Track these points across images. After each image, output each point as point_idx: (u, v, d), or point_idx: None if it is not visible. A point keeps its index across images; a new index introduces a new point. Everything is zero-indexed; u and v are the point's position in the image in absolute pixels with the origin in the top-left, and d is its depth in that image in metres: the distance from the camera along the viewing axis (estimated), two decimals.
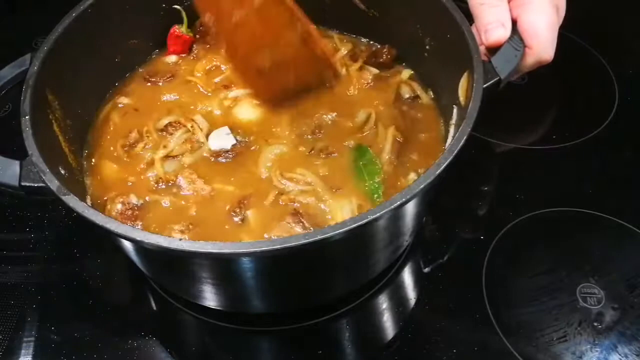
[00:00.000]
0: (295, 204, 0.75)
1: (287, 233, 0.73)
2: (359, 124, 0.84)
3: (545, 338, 0.77)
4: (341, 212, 0.75)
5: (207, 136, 0.83)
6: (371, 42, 0.98)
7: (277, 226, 0.74)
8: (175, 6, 0.94)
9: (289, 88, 0.80)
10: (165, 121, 0.85)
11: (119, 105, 0.90)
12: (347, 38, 0.98)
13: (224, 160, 0.81)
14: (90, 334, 0.80)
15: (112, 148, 0.85)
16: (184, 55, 0.96)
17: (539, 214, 0.89)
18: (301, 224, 0.73)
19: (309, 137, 0.83)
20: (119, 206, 0.76)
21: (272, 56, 0.76)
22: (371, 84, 0.90)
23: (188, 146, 0.82)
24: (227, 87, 0.90)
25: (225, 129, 0.83)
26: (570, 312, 0.79)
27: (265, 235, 0.73)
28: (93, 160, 0.84)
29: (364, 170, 0.79)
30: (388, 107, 0.87)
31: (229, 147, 0.82)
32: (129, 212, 0.76)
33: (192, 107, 0.88)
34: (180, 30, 0.95)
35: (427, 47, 0.87)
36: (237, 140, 0.83)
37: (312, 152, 0.81)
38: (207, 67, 0.93)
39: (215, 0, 0.70)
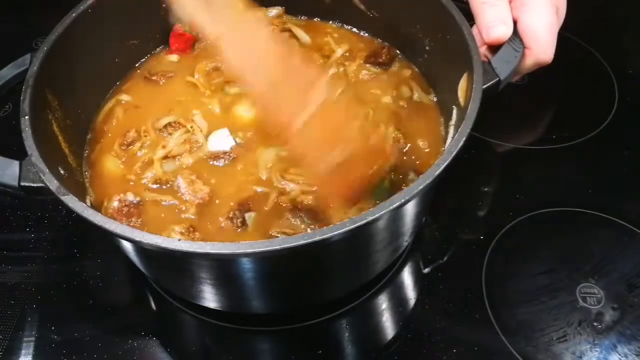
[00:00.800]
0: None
1: (287, 228, 0.73)
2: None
3: (545, 338, 0.77)
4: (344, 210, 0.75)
5: (206, 137, 0.83)
6: (367, 35, 0.98)
7: (276, 224, 0.74)
8: None
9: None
10: (164, 121, 0.85)
11: (122, 102, 0.90)
12: (345, 34, 0.98)
13: (223, 162, 0.81)
14: (90, 334, 0.80)
15: (111, 147, 0.84)
16: (186, 52, 0.96)
17: (539, 214, 0.89)
18: (299, 218, 0.73)
19: None
20: (115, 203, 0.76)
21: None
22: (370, 83, 0.90)
23: (187, 146, 0.82)
24: (228, 82, 0.90)
25: (225, 131, 0.83)
26: (570, 312, 0.79)
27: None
28: (93, 159, 0.84)
29: None
30: (387, 106, 0.87)
31: (228, 148, 0.82)
32: (125, 209, 0.76)
33: (192, 105, 0.88)
34: (183, 28, 0.95)
35: (427, 47, 0.87)
36: (236, 142, 0.83)
37: None
38: (207, 68, 0.93)
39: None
